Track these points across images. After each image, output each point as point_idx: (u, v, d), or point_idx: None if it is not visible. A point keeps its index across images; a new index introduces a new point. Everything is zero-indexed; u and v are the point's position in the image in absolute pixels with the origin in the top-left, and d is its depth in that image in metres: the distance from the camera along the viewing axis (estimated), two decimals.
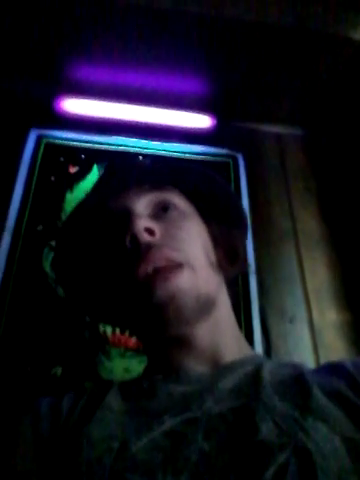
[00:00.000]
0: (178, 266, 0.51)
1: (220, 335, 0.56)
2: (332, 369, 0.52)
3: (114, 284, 0.55)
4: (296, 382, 0.49)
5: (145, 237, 0.52)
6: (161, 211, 0.58)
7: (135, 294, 0.52)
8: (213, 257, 0.58)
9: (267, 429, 0.42)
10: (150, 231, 0.53)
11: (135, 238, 0.52)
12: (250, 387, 0.49)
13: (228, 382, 0.50)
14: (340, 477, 0.37)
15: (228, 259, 0.61)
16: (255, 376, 0.51)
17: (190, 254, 0.54)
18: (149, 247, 0.52)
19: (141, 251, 0.51)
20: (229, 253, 0.62)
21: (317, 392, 0.46)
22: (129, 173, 0.64)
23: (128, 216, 0.55)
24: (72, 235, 0.65)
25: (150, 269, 0.50)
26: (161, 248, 0.52)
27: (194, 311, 0.52)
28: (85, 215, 0.64)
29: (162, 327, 0.52)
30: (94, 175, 1.33)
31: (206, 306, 0.54)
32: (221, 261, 0.60)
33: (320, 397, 0.46)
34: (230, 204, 0.68)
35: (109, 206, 0.59)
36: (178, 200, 0.61)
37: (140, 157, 1.38)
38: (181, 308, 0.50)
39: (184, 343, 0.54)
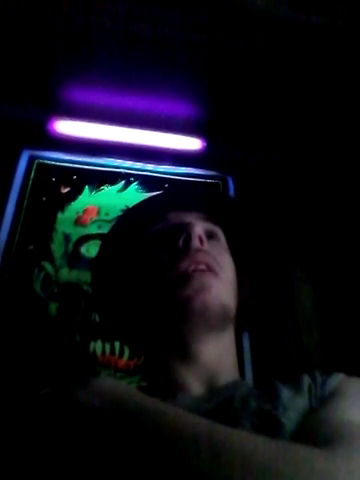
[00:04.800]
0: (214, 273, 0.59)
1: (223, 359, 0.59)
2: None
3: (153, 277, 0.61)
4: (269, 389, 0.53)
5: (197, 242, 0.61)
6: (207, 237, 0.65)
7: (169, 285, 0.58)
8: (235, 289, 0.65)
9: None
10: (201, 240, 0.62)
11: (189, 240, 0.60)
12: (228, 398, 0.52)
13: (213, 404, 0.52)
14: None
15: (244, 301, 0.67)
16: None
17: (223, 271, 0.61)
18: (198, 250, 0.60)
19: (190, 251, 0.59)
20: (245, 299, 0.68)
21: (284, 389, 0.51)
22: (195, 199, 0.71)
23: (186, 225, 0.63)
24: (123, 229, 0.72)
25: (192, 268, 0.58)
26: (206, 254, 0.60)
27: (216, 315, 0.57)
28: (142, 217, 0.70)
29: (186, 320, 0.56)
30: (85, 196, 1.35)
31: (226, 318, 0.59)
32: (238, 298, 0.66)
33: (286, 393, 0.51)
34: (265, 273, 0.72)
35: (168, 217, 0.68)
36: (222, 237, 0.69)
37: None
38: (208, 304, 0.56)
39: (190, 358, 0.57)
